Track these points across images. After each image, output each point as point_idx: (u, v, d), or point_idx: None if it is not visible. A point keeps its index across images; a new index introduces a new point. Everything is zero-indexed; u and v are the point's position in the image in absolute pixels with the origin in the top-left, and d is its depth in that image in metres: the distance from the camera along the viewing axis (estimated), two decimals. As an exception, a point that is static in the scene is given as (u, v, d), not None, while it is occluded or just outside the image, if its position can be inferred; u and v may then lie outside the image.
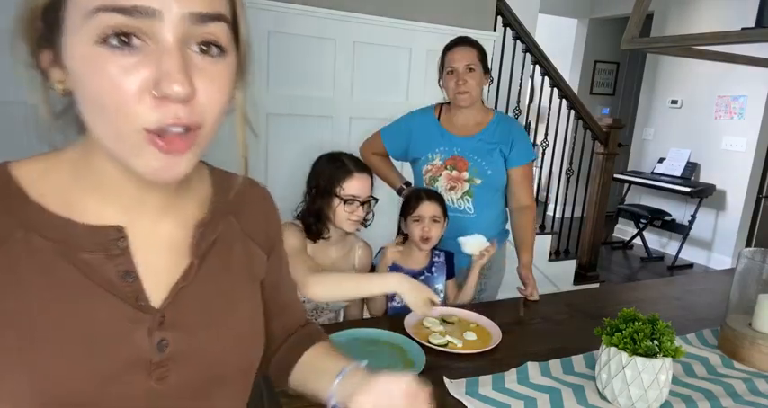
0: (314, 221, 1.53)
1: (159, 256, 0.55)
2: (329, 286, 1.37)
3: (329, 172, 1.54)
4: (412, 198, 1.71)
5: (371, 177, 1.57)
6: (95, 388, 0.48)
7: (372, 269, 1.71)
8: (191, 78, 0.45)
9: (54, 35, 0.45)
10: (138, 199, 0.54)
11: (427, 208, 1.67)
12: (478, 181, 1.79)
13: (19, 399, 0.46)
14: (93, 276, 0.50)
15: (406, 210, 1.71)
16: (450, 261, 1.76)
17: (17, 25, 0.46)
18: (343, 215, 1.51)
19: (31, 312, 0.47)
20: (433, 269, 1.72)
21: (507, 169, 1.81)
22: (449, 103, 1.85)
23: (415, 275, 1.67)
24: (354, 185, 1.51)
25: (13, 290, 0.47)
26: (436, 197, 1.70)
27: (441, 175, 1.81)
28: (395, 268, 1.72)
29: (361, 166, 1.55)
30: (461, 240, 1.66)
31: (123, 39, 0.43)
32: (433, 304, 1.37)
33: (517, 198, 1.85)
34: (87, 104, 0.46)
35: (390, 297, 1.67)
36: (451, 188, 1.81)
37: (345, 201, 1.50)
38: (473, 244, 1.65)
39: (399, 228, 1.78)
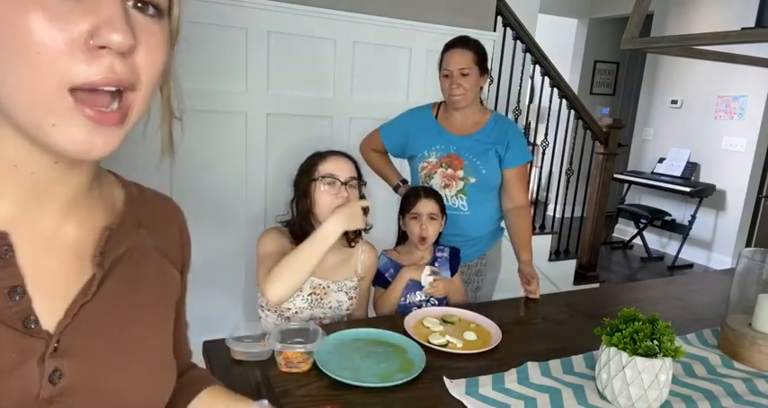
0: (298, 220, 1.49)
1: (57, 264, 0.46)
2: (285, 277, 1.30)
3: (306, 163, 1.53)
4: (410, 195, 1.72)
5: (354, 163, 1.52)
6: None
7: (378, 273, 1.70)
8: (132, 31, 0.39)
9: None
10: (41, 190, 0.44)
11: (425, 206, 1.67)
12: (473, 180, 1.81)
13: None
14: None
15: (405, 208, 1.72)
16: (456, 257, 1.77)
17: None
18: (325, 200, 1.44)
19: None
20: (435, 265, 1.72)
21: (502, 169, 1.82)
22: (445, 102, 1.87)
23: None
24: (330, 165, 1.47)
25: None
26: (434, 195, 1.71)
27: (436, 173, 1.82)
28: (396, 267, 1.72)
29: (340, 153, 1.52)
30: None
31: None
32: (366, 211, 1.40)
33: (512, 198, 1.86)
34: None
35: (385, 270, 1.69)
36: (446, 186, 1.83)
37: (323, 179, 1.45)
38: (425, 279, 1.62)
39: (399, 226, 1.78)
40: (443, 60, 1.79)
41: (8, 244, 0.43)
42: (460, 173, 1.81)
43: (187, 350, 0.71)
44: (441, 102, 1.90)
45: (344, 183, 1.46)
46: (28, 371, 0.42)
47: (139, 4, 0.41)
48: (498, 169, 1.82)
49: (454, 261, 1.76)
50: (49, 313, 0.44)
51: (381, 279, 1.71)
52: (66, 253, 0.47)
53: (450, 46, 1.80)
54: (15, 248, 0.43)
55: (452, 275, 1.75)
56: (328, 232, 1.34)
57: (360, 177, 1.53)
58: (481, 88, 1.84)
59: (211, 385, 0.71)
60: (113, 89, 0.39)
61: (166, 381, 0.55)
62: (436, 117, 1.87)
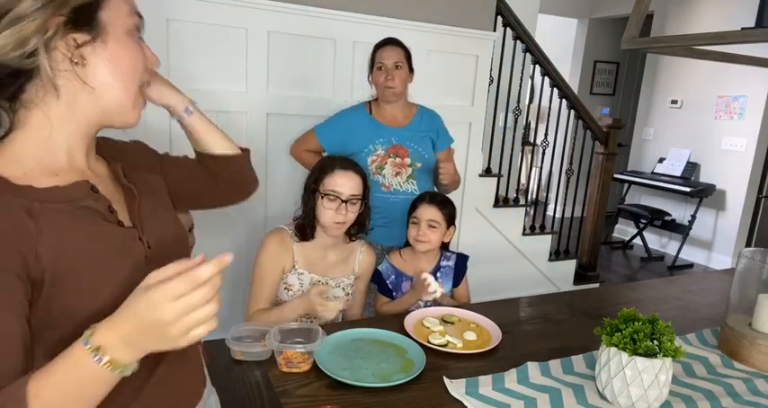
0: (304, 221, 1.53)
1: (110, 189, 0.77)
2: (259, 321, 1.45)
3: (317, 169, 1.56)
4: (417, 198, 1.73)
5: (362, 178, 1.55)
6: (132, 284, 0.61)
7: (379, 278, 1.70)
8: None
9: (89, 24, 0.66)
10: (89, 150, 0.76)
11: (424, 212, 1.67)
12: (419, 165, 2.03)
13: (98, 302, 0.64)
14: (97, 215, 0.71)
15: (410, 211, 1.72)
16: (462, 265, 1.75)
17: (37, 19, 0.62)
18: (325, 214, 1.49)
19: (83, 251, 0.67)
20: (438, 274, 1.70)
21: (435, 152, 2.10)
22: (375, 100, 2.07)
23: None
24: (335, 181, 1.50)
25: (64, 242, 0.65)
26: (439, 202, 1.71)
27: (386, 163, 1.98)
28: (397, 273, 1.71)
29: (348, 165, 1.55)
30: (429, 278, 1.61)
31: (136, 32, 0.73)
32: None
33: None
34: (114, 71, 0.70)
35: (387, 277, 1.69)
36: (397, 173, 2.00)
37: (325, 196, 1.49)
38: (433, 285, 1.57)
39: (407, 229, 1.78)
40: (377, 56, 2.01)
41: (94, 185, 0.73)
42: (408, 161, 2.01)
43: None
44: (370, 102, 2.10)
45: (345, 201, 1.49)
46: (137, 245, 0.74)
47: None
48: (433, 152, 2.09)
49: (459, 270, 1.74)
50: (123, 216, 0.75)
51: (382, 286, 1.70)
52: (109, 181, 0.78)
53: (383, 44, 2.02)
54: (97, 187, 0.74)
55: (457, 284, 1.74)
56: (287, 315, 1.44)
57: (365, 191, 1.56)
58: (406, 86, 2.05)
59: None
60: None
61: (184, 228, 0.91)
62: (370, 113, 2.04)
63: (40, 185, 0.67)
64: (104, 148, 0.83)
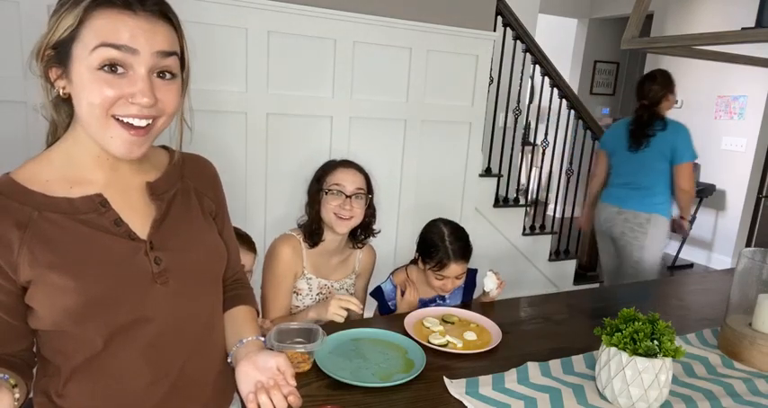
0: (310, 224, 1.54)
1: (137, 203, 0.82)
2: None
3: (319, 171, 1.58)
4: (438, 250, 1.56)
5: (363, 175, 1.57)
6: (119, 291, 0.76)
7: (382, 300, 1.67)
8: (154, 94, 0.73)
9: (63, 59, 0.71)
10: (115, 164, 0.80)
11: (454, 270, 1.56)
12: None
13: (70, 301, 0.72)
14: (96, 227, 0.77)
15: (427, 260, 1.58)
16: (472, 281, 1.70)
17: (34, 52, 0.73)
18: (330, 209, 1.50)
19: (67, 255, 0.73)
20: (447, 296, 1.67)
21: None
22: None
23: (426, 303, 1.63)
24: (339, 176, 1.52)
25: (49, 248, 0.72)
26: (464, 255, 1.59)
27: None
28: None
29: (351, 163, 1.58)
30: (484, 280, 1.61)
31: (113, 68, 0.70)
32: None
33: None
34: (84, 103, 0.72)
35: (390, 298, 1.67)
36: None
37: (329, 191, 1.50)
38: (489, 282, 1.59)
39: (418, 245, 1.67)
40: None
41: (104, 199, 0.78)
42: None
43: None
44: None
45: (349, 196, 1.50)
46: (141, 259, 0.78)
47: (160, 74, 0.74)
48: None
49: (469, 286, 1.70)
50: (141, 230, 0.80)
51: (384, 308, 1.67)
52: (141, 195, 0.83)
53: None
54: (110, 199, 0.78)
55: (470, 298, 1.71)
56: (311, 317, 1.42)
57: (369, 189, 1.56)
58: None
59: (247, 305, 1.00)
60: (143, 123, 0.74)
61: (218, 262, 0.91)
62: None
63: (52, 194, 0.75)
64: (185, 164, 0.91)
